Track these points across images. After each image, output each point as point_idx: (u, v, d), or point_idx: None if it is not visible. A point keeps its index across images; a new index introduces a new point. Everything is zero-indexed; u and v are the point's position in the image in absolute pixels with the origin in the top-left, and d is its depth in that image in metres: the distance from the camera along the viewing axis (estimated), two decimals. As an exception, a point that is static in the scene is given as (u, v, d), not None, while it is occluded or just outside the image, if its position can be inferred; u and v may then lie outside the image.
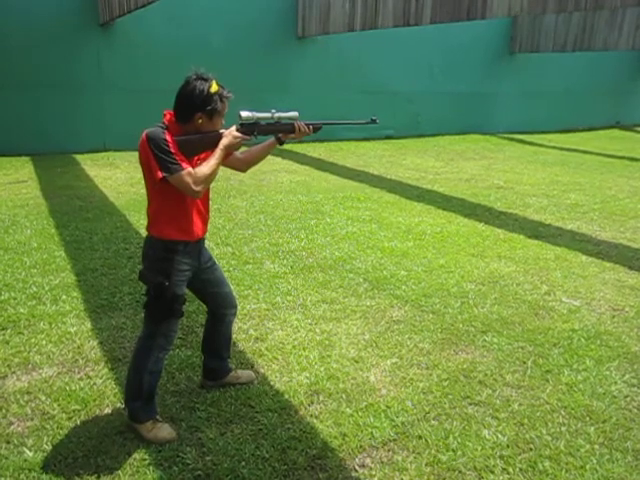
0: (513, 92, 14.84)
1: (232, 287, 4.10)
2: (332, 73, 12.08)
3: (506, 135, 14.34)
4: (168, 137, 2.25)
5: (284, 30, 11.54)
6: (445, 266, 4.71)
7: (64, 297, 3.89)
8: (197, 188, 2.27)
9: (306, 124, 2.59)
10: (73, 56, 9.64)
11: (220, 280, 2.70)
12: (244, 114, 2.44)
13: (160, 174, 2.23)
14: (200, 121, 2.32)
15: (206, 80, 2.31)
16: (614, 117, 17.19)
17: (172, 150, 2.24)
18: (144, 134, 2.28)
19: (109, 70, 9.92)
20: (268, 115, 2.51)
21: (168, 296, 2.38)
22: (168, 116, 2.35)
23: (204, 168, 2.30)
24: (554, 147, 12.61)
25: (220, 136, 2.39)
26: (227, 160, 2.52)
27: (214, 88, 2.30)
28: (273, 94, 11.08)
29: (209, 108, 2.31)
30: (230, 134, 2.40)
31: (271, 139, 2.62)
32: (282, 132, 2.58)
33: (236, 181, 7.85)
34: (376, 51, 12.35)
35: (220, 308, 2.73)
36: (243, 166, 2.71)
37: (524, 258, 4.98)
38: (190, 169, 2.26)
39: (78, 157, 9.48)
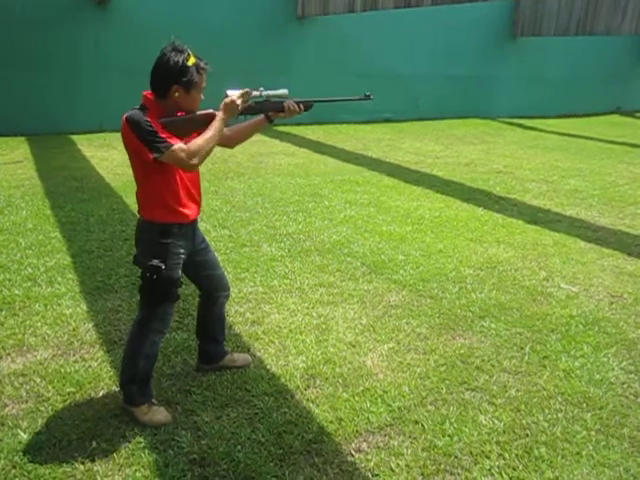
0: (514, 76, 14.70)
1: (229, 270, 4.09)
2: (332, 55, 11.94)
3: (506, 120, 14.24)
4: (149, 117, 2.19)
5: (283, 10, 11.37)
6: (443, 251, 4.68)
7: (59, 279, 3.86)
8: (193, 161, 2.20)
9: (296, 102, 2.51)
10: (69, 35, 9.49)
11: (213, 262, 2.67)
12: (231, 93, 2.37)
13: (151, 155, 2.18)
14: (177, 94, 2.24)
15: (181, 52, 2.23)
16: (615, 103, 17.07)
17: (156, 129, 2.18)
18: (124, 118, 2.21)
19: (106, 49, 9.78)
20: (256, 94, 2.43)
21: (164, 280, 2.35)
22: (148, 97, 2.29)
23: (199, 140, 2.23)
24: (554, 132, 12.53)
25: (209, 116, 2.33)
26: None
27: (190, 60, 2.23)
28: (271, 75, 10.90)
29: (185, 80, 2.23)
30: (223, 103, 2.32)
31: (260, 116, 2.54)
32: (271, 111, 2.50)
33: (234, 163, 7.78)
34: (376, 33, 12.20)
35: (213, 290, 2.70)
36: (231, 142, 2.61)
37: (523, 243, 4.96)
38: (181, 144, 2.20)
39: (74, 137, 9.39)
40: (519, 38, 14.39)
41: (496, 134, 11.93)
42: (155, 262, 2.32)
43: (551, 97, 15.48)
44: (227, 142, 2.59)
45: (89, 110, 9.93)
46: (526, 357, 3.11)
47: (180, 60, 2.21)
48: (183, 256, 2.43)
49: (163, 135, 2.18)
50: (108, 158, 7.94)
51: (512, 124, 13.62)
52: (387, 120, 12.88)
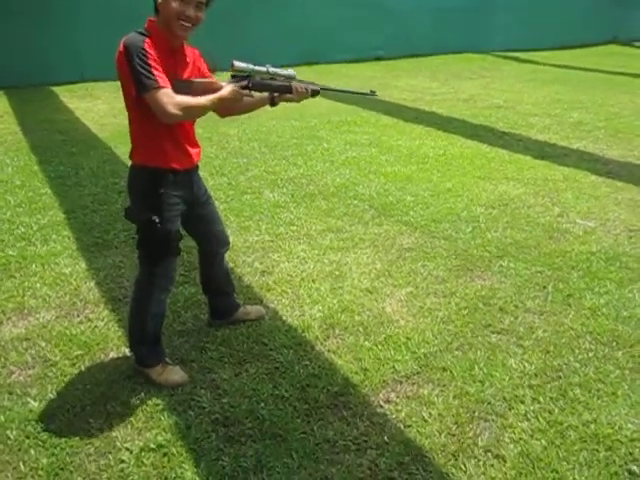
0: (507, 6, 14.10)
1: (232, 219, 3.93)
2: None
3: (501, 54, 13.76)
4: (147, 46, 1.94)
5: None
6: (452, 190, 4.51)
7: (54, 237, 3.67)
8: (173, 111, 1.93)
9: (304, 87, 2.29)
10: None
11: (214, 216, 2.49)
12: (237, 64, 2.14)
13: (134, 91, 1.96)
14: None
15: None
16: (611, 32, 16.53)
17: (150, 62, 1.93)
18: (121, 43, 1.97)
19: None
20: (263, 69, 2.21)
21: (161, 234, 2.15)
22: (150, 21, 2.04)
23: (190, 99, 2.00)
24: (551, 65, 12.14)
25: (216, 86, 2.12)
26: None
27: None
28: (265, 7, 10.46)
29: None
30: (231, 87, 2.11)
31: (264, 95, 2.31)
32: (278, 91, 2.28)
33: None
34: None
35: (213, 245, 2.52)
36: (223, 112, 2.39)
37: (532, 179, 4.79)
38: (169, 90, 1.95)
39: (55, 89, 8.94)
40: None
41: (492, 68, 11.55)
42: (149, 215, 2.12)
43: (544, 28, 14.91)
44: (220, 110, 2.34)
45: (68, 59, 9.40)
46: (549, 296, 3.00)
47: None
48: (181, 206, 2.23)
49: (155, 72, 1.93)
50: (93, 109, 7.58)
51: (507, 57, 13.18)
52: (378, 58, 12.40)
